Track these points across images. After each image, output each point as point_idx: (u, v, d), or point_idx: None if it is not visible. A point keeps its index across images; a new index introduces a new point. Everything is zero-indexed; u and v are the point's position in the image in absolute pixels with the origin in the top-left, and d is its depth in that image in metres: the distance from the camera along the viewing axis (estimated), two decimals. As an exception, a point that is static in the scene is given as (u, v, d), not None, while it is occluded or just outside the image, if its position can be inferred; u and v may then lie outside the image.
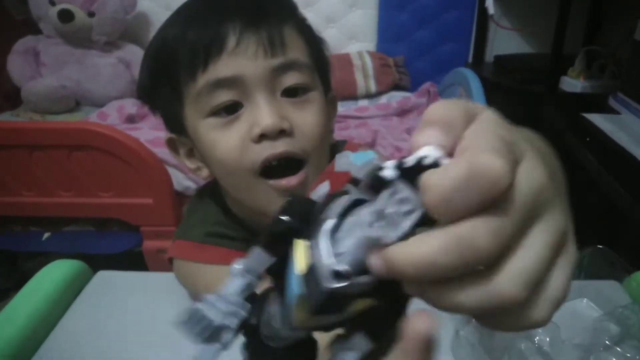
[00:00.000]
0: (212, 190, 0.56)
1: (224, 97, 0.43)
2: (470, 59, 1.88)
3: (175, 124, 0.48)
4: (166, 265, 1.28)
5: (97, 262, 0.63)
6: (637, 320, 0.42)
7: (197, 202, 0.59)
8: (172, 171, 1.26)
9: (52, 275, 0.57)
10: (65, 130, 1.22)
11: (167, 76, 0.45)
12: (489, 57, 1.85)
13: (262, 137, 0.43)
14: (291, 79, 0.45)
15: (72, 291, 0.57)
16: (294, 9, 0.48)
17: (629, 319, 0.41)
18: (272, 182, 0.45)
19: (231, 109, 0.44)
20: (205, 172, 0.52)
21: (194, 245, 0.52)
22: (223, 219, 0.54)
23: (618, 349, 0.40)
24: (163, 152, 1.28)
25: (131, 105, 1.64)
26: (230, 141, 0.44)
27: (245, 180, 0.45)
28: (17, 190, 1.27)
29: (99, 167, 1.22)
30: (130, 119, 1.60)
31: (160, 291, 0.57)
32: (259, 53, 0.43)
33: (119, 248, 1.32)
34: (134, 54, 1.78)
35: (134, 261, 1.29)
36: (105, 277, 0.61)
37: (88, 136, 1.19)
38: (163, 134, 1.31)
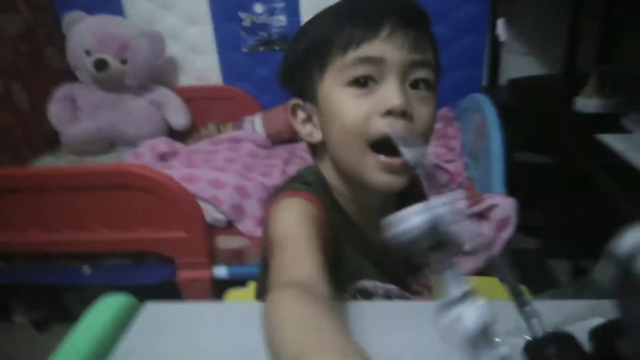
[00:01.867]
0: (314, 174, 0.60)
1: (365, 71, 0.51)
2: (484, 83, 1.92)
3: (308, 92, 0.56)
4: (198, 294, 1.33)
5: (134, 294, 0.63)
6: None
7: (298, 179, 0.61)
8: (203, 205, 1.33)
9: (106, 309, 0.59)
10: (104, 173, 1.31)
11: (318, 51, 0.54)
12: (503, 80, 1.89)
13: (388, 113, 0.50)
14: (422, 73, 0.53)
15: (121, 324, 0.59)
16: (430, 20, 0.57)
17: None
18: (381, 157, 0.51)
19: (365, 83, 0.51)
20: (316, 137, 0.58)
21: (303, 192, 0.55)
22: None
23: None
24: (195, 188, 1.35)
25: (162, 144, 1.73)
26: (360, 109, 0.51)
27: (358, 148, 0.52)
28: (59, 228, 1.35)
29: (135, 204, 1.30)
30: (162, 157, 1.69)
31: (203, 320, 0.58)
32: (405, 46, 0.51)
33: (155, 279, 1.38)
34: (165, 95, 1.89)
35: (170, 292, 1.35)
36: (152, 309, 0.62)
37: (125, 176, 1.27)
38: (195, 170, 1.40)
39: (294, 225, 0.50)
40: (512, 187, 1.25)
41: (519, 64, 1.89)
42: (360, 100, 0.51)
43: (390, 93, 0.50)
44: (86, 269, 1.42)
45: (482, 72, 1.93)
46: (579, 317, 0.47)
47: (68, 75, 1.84)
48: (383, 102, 0.50)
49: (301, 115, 0.59)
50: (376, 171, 0.52)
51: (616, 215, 1.03)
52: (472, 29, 1.85)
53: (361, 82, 0.51)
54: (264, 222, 0.57)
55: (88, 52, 1.74)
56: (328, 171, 0.60)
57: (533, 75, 1.87)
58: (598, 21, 1.65)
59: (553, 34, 1.68)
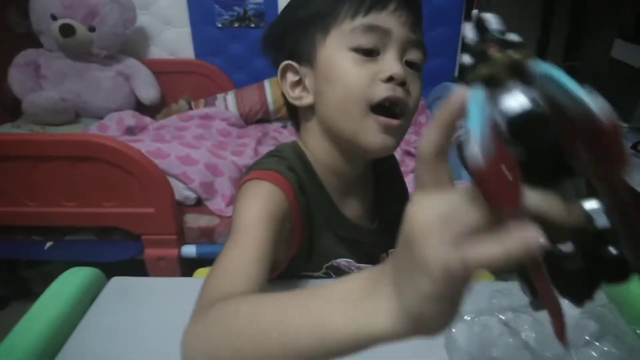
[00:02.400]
0: (292, 148, 0.61)
1: (371, 39, 0.53)
2: (456, 74, 1.95)
3: (306, 54, 0.56)
4: (165, 273, 1.31)
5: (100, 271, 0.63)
6: (613, 317, 0.46)
7: (274, 155, 0.61)
8: (173, 181, 1.31)
9: (70, 282, 0.58)
10: (69, 142, 1.26)
11: (324, 13, 0.55)
12: (475, 73, 1.93)
13: (389, 79, 0.53)
14: (416, 55, 0.56)
15: (88, 297, 0.58)
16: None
17: (607, 317, 0.45)
18: (381, 118, 0.53)
19: (369, 52, 0.54)
20: (306, 101, 0.57)
21: (274, 173, 0.55)
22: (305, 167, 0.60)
23: (597, 344, 0.43)
24: (164, 163, 1.32)
25: (130, 117, 1.68)
26: (363, 74, 0.53)
27: (359, 110, 0.54)
28: (20, 200, 1.30)
29: (101, 178, 1.26)
30: (130, 131, 1.64)
31: (172, 295, 0.58)
32: (407, 24, 0.55)
33: (120, 256, 1.35)
34: (133, 67, 1.83)
35: (135, 269, 1.33)
36: (119, 283, 0.62)
37: (91, 148, 1.23)
38: (163, 145, 1.37)
39: (253, 219, 0.49)
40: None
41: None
42: (363, 66, 0.53)
43: (393, 62, 0.53)
44: (48, 244, 1.38)
45: (455, 62, 1.96)
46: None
47: (31, 39, 1.75)
48: (386, 69, 0.53)
49: (291, 78, 0.58)
50: (374, 132, 0.54)
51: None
52: (447, 20, 1.87)
53: (364, 50, 0.53)
54: (235, 202, 0.56)
55: (54, 17, 1.66)
56: (312, 141, 0.60)
57: (503, 67, 1.92)
58: (568, 18, 1.70)
59: (525, 28, 1.72)
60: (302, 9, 0.58)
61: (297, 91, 0.58)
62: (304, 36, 0.56)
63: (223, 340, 0.32)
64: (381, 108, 0.53)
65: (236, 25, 1.93)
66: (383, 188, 0.68)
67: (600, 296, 0.51)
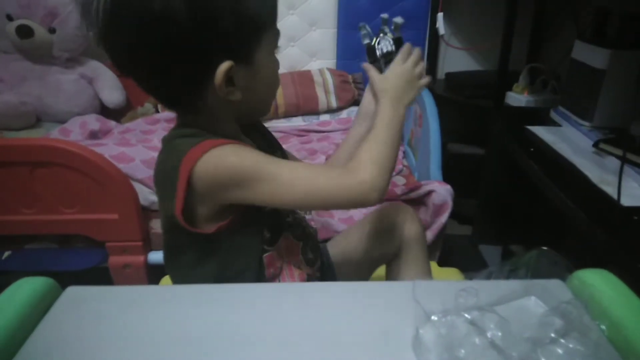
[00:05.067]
0: (192, 130, 0.62)
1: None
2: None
3: (244, 54, 0.59)
4: (132, 280, 1.28)
5: (61, 280, 0.60)
6: (578, 314, 0.45)
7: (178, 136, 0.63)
8: (137, 186, 1.27)
9: (19, 293, 0.55)
10: (28, 147, 1.21)
11: (264, 21, 0.59)
12: (441, 74, 1.96)
13: None
14: None
15: (40, 309, 0.55)
16: None
17: (572, 314, 0.45)
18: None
19: None
20: (237, 96, 0.60)
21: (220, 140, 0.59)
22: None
23: (562, 340, 0.43)
24: (128, 168, 1.29)
25: (94, 121, 1.63)
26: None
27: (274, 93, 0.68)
28: (-25, 208, 1.24)
29: (62, 184, 1.22)
30: (93, 135, 1.59)
31: (132, 304, 0.56)
32: None
33: (84, 265, 1.31)
34: (97, 69, 1.78)
35: (100, 278, 1.29)
36: (74, 293, 0.58)
37: (51, 153, 1.18)
38: (127, 149, 1.33)
39: (257, 155, 0.60)
40: (446, 177, 1.30)
41: (457, 59, 1.96)
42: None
43: None
44: (6, 254, 1.32)
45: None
46: (514, 296, 0.50)
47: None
48: None
49: (224, 76, 0.58)
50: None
51: (544, 201, 1.10)
52: (413, 22, 1.88)
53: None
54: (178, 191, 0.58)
55: (10, 17, 1.60)
56: (212, 120, 0.62)
57: (469, 70, 1.95)
58: (531, 20, 1.74)
59: (490, 31, 1.75)
60: (245, 10, 0.57)
61: (228, 89, 0.59)
62: (246, 38, 0.58)
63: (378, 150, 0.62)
64: None
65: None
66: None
67: (566, 293, 0.52)
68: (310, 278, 0.73)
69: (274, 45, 0.62)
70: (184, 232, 0.61)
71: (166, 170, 0.60)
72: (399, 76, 0.70)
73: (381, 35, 0.76)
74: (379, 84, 0.70)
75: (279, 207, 0.67)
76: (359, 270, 0.85)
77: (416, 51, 0.73)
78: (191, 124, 0.62)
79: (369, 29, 0.77)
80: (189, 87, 0.58)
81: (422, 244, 0.83)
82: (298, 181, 0.57)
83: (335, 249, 0.85)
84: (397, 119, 0.66)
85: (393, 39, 0.75)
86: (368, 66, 0.74)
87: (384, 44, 0.75)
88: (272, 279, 0.68)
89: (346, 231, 0.90)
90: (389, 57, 0.74)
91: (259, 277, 0.66)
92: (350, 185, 0.58)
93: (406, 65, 0.71)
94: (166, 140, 0.64)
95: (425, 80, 0.72)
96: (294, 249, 0.71)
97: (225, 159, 0.57)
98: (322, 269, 0.79)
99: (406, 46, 0.73)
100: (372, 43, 0.75)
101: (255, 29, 0.58)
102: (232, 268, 0.65)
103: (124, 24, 0.53)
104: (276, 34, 0.62)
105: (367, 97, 0.76)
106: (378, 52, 0.75)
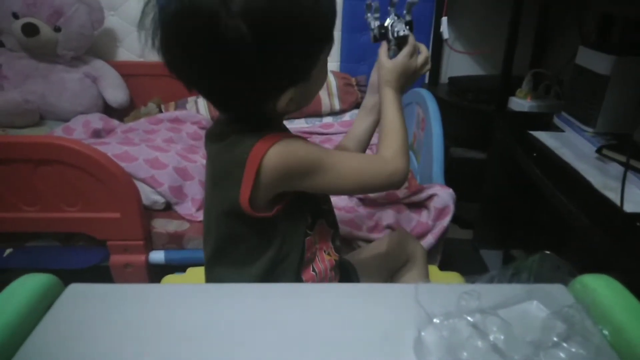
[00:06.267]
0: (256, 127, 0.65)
1: None
2: (426, 80, 1.98)
3: (304, 73, 0.63)
4: (132, 280, 1.28)
5: (62, 279, 0.60)
6: (580, 318, 0.45)
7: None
8: (140, 185, 1.27)
9: (22, 289, 0.55)
10: (31, 145, 1.21)
11: (320, 49, 0.63)
12: (444, 78, 1.96)
13: None
14: None
15: (43, 305, 0.55)
16: None
17: (574, 318, 0.45)
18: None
19: None
20: (293, 108, 0.64)
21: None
22: None
23: (564, 344, 0.43)
24: (131, 167, 1.29)
25: (97, 120, 1.64)
26: None
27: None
28: (-23, 205, 1.24)
29: (64, 182, 1.22)
30: (96, 134, 1.59)
31: (134, 302, 0.56)
32: None
33: (85, 263, 1.31)
34: (101, 69, 1.78)
35: (101, 277, 1.29)
36: (77, 290, 0.58)
37: (54, 150, 1.18)
38: (131, 148, 1.33)
39: (317, 147, 0.66)
40: (448, 181, 1.30)
41: (460, 64, 1.97)
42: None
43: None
44: (7, 251, 1.32)
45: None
46: (516, 299, 0.50)
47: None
48: None
49: (287, 98, 0.62)
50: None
51: (547, 206, 1.10)
52: (417, 26, 1.88)
53: None
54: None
55: (16, 15, 1.60)
56: (267, 119, 0.66)
57: (472, 74, 1.96)
58: (534, 26, 1.74)
59: (494, 35, 1.76)
60: (309, 36, 0.60)
61: (287, 105, 0.63)
62: (311, 64, 0.62)
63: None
64: None
65: (208, 28, 1.91)
66: None
67: (568, 297, 0.52)
68: (335, 266, 0.76)
69: (328, 54, 0.66)
70: (246, 220, 0.64)
71: (233, 162, 0.62)
72: (405, 70, 0.76)
73: (395, 17, 0.77)
74: (387, 74, 0.76)
75: (327, 194, 0.75)
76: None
77: (424, 50, 0.79)
78: (246, 120, 0.65)
79: (376, 4, 0.78)
80: (250, 106, 0.63)
81: (423, 256, 0.93)
82: (352, 170, 0.66)
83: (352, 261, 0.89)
84: (401, 106, 0.75)
85: (406, 22, 0.77)
86: (384, 49, 0.78)
87: (399, 27, 0.76)
88: (308, 262, 0.71)
89: (359, 251, 0.96)
90: (402, 41, 0.76)
91: (301, 259, 0.69)
92: (390, 173, 0.68)
93: (413, 61, 0.77)
94: (219, 135, 0.67)
95: (425, 70, 0.81)
96: (327, 235, 0.75)
97: (294, 152, 0.62)
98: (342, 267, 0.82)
99: (419, 46, 0.78)
100: (386, 24, 0.77)
101: (319, 52, 0.63)
102: (284, 250, 0.68)
103: (191, 47, 0.59)
104: (332, 46, 0.64)
105: (373, 76, 0.82)
106: (391, 35, 0.77)
